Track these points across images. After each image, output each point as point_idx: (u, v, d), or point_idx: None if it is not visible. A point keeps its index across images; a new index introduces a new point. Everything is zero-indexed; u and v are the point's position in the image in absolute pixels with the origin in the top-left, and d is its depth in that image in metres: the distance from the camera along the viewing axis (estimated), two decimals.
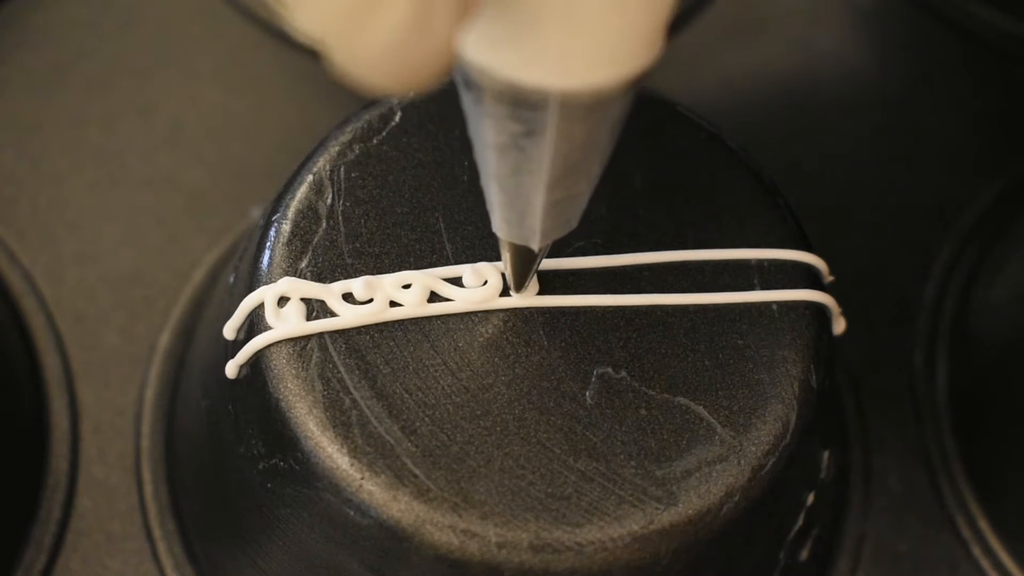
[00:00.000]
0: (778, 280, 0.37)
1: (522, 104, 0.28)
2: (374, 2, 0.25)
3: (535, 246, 0.33)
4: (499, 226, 0.33)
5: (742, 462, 0.34)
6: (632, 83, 0.28)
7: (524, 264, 0.34)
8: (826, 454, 0.40)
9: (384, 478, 0.33)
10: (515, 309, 0.36)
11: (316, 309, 0.35)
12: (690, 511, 0.34)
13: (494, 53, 0.27)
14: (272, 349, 0.35)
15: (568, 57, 0.27)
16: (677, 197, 0.38)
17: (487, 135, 0.30)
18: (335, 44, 0.25)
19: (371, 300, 0.35)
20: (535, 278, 0.35)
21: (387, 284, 0.35)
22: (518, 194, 0.31)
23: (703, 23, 0.54)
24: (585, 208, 0.33)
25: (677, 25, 0.54)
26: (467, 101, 0.29)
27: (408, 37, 0.25)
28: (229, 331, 0.36)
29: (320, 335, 0.35)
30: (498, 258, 0.36)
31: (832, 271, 0.38)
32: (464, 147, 0.38)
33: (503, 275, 0.36)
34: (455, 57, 0.26)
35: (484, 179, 0.32)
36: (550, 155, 0.29)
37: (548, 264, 0.36)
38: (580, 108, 0.28)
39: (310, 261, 0.36)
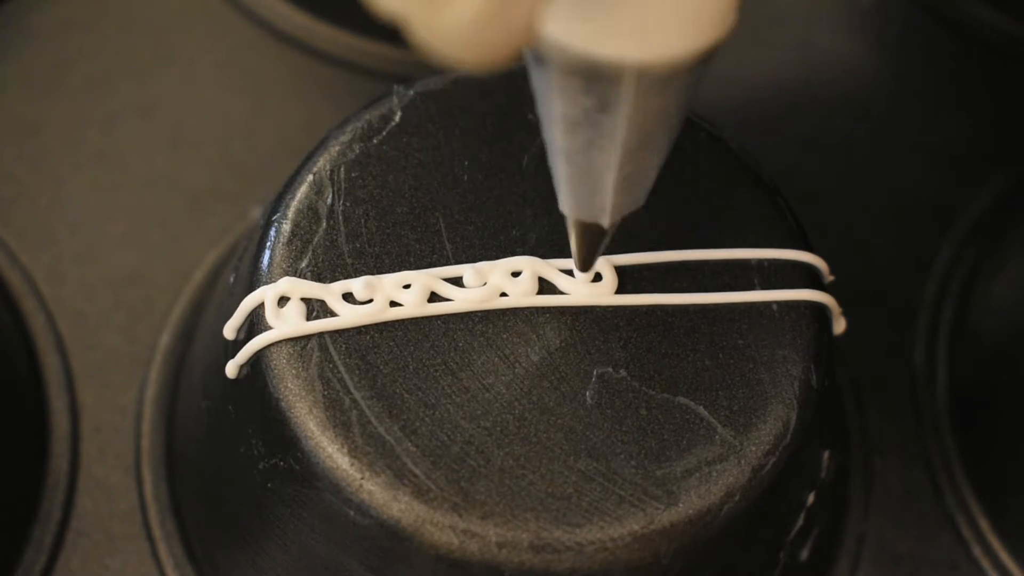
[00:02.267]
0: (778, 280, 0.37)
1: (597, 78, 0.28)
2: None
3: (605, 223, 0.33)
4: (567, 204, 0.33)
5: (742, 462, 0.34)
6: (707, 55, 0.28)
7: (592, 243, 0.34)
8: (826, 454, 0.40)
9: (384, 478, 0.33)
10: (515, 309, 0.36)
11: (316, 309, 0.35)
12: (690, 511, 0.34)
13: (569, 27, 0.27)
14: (272, 349, 0.35)
15: (645, 30, 0.27)
16: (677, 197, 0.38)
17: (558, 110, 0.30)
18: (418, 21, 0.25)
19: (371, 300, 0.35)
20: (597, 260, 0.35)
21: (387, 284, 0.35)
22: (589, 170, 0.31)
23: None
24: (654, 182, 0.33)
25: None
26: (537, 77, 0.29)
27: (491, 12, 0.25)
28: (229, 331, 0.36)
29: (320, 335, 0.35)
30: (498, 257, 0.36)
31: (832, 271, 0.38)
32: (464, 147, 0.38)
33: (571, 264, 0.35)
34: (535, 32, 0.26)
35: (552, 156, 0.32)
36: (623, 129, 0.29)
37: (548, 264, 0.36)
38: (656, 80, 0.28)
39: (310, 261, 0.36)
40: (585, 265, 0.35)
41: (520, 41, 0.26)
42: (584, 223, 0.33)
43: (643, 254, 0.36)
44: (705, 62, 0.28)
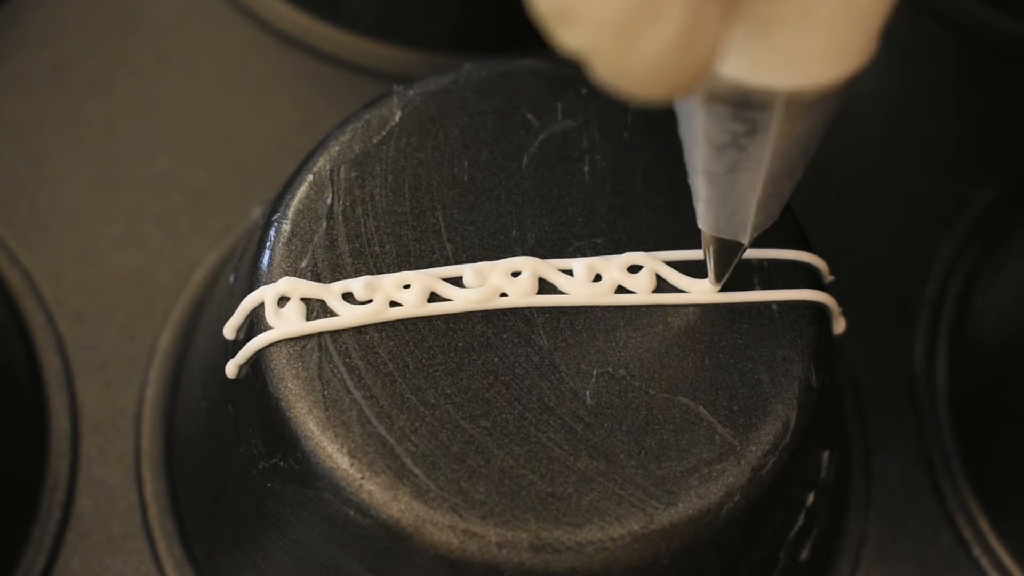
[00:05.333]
0: (778, 280, 0.37)
1: (747, 105, 0.29)
2: (647, 18, 0.25)
3: (745, 240, 0.34)
4: (707, 222, 0.34)
5: (742, 462, 0.34)
6: (851, 81, 0.29)
7: (728, 257, 0.35)
8: (826, 454, 0.40)
9: (384, 478, 0.33)
10: (515, 309, 0.36)
11: (316, 309, 0.35)
12: (690, 511, 0.34)
13: (725, 58, 0.28)
14: (272, 349, 0.35)
15: (798, 58, 0.28)
16: (677, 197, 0.38)
17: (705, 135, 0.31)
18: (605, 58, 0.26)
19: (371, 300, 0.35)
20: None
21: (387, 284, 0.35)
22: (732, 191, 0.32)
23: None
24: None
25: None
26: (683, 102, 0.30)
27: (678, 49, 0.26)
28: (229, 331, 0.36)
29: (320, 335, 0.35)
30: (498, 257, 0.36)
31: (832, 271, 0.38)
32: (464, 147, 0.38)
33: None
34: (716, 65, 0.27)
35: (694, 175, 0.33)
36: (769, 153, 0.30)
37: (548, 264, 0.36)
38: (803, 107, 0.29)
39: (310, 261, 0.36)
40: (720, 277, 0.36)
41: (702, 75, 0.26)
42: (723, 240, 0.35)
43: (643, 254, 0.36)
44: (848, 88, 0.30)
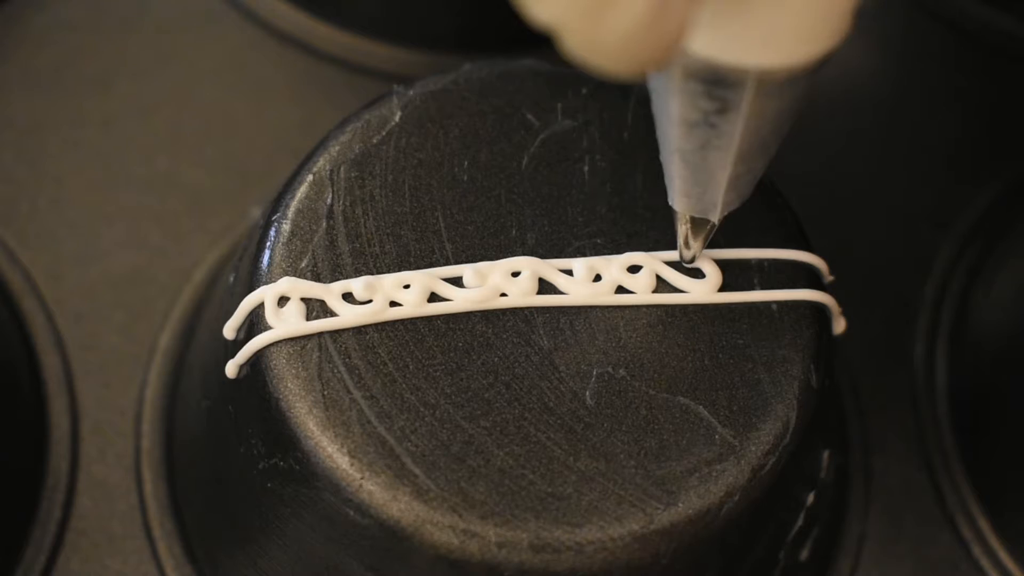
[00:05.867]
0: (778, 280, 0.37)
1: (719, 83, 0.29)
2: None
3: (715, 218, 0.35)
4: (678, 200, 0.35)
5: (742, 462, 0.34)
6: (823, 60, 0.29)
7: (701, 235, 0.35)
8: (826, 454, 0.40)
9: (384, 478, 0.33)
10: (515, 309, 0.36)
11: (316, 309, 0.35)
12: (690, 511, 0.34)
13: (697, 35, 0.28)
14: (272, 349, 0.35)
15: (770, 36, 0.29)
16: None
17: (677, 112, 0.31)
18: (574, 31, 0.26)
19: (371, 300, 0.35)
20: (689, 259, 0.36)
21: (387, 284, 0.35)
22: (703, 168, 0.33)
23: None
24: (723, 195, 0.34)
25: None
26: (657, 79, 0.31)
27: (646, 24, 0.26)
28: (229, 331, 0.36)
29: (320, 335, 0.35)
30: (497, 257, 0.36)
31: (832, 271, 0.38)
32: (464, 147, 0.38)
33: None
34: (685, 41, 0.27)
35: (665, 154, 0.33)
36: (740, 131, 0.31)
37: (548, 264, 0.36)
38: (775, 85, 0.30)
39: (310, 261, 0.36)
40: (690, 258, 0.36)
41: (671, 50, 0.27)
42: (693, 219, 0.35)
43: (643, 254, 0.36)
44: (819, 68, 0.30)
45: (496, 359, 0.35)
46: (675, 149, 0.32)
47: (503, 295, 0.36)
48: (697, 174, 0.33)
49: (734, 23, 0.28)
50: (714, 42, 0.29)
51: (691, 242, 0.36)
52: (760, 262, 0.37)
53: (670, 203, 0.35)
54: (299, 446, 0.34)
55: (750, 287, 0.36)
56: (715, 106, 0.30)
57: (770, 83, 0.29)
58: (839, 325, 0.38)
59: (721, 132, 0.31)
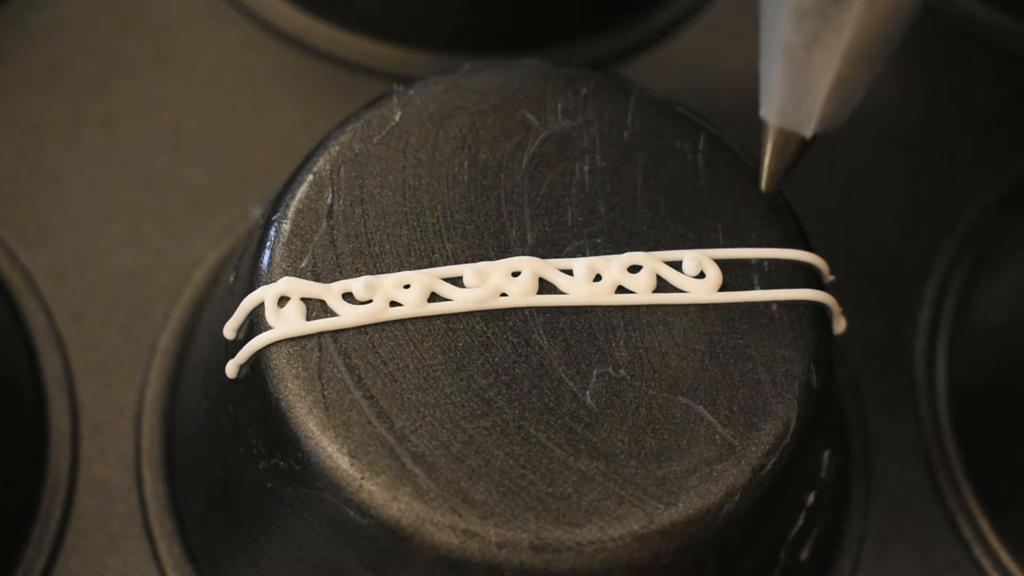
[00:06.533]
0: (778, 280, 0.37)
1: None
2: None
3: (808, 133, 0.33)
4: (772, 110, 0.33)
5: (742, 462, 0.34)
6: None
7: (783, 158, 0.34)
8: (826, 454, 0.40)
9: (384, 478, 0.33)
10: (515, 309, 0.36)
11: (316, 309, 0.35)
12: (690, 511, 0.34)
13: None
14: (272, 349, 0.35)
15: None
16: (677, 197, 0.38)
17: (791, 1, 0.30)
18: None
19: (371, 300, 0.35)
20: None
21: (387, 284, 0.35)
22: (806, 69, 0.32)
23: (703, 23, 0.54)
24: (858, 104, 0.33)
25: (677, 25, 0.54)
26: None
27: None
28: (229, 331, 0.36)
29: (320, 335, 0.35)
30: (498, 257, 0.36)
31: (832, 271, 0.38)
32: (464, 147, 0.38)
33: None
34: None
35: (767, 54, 0.32)
36: (852, 25, 0.30)
37: (548, 264, 0.36)
38: None
39: (310, 261, 0.36)
40: (770, 182, 0.35)
41: None
42: (785, 132, 0.34)
43: (643, 254, 0.36)
44: None
45: (496, 359, 0.35)
46: (781, 45, 0.31)
47: (503, 295, 0.36)
48: (799, 75, 0.32)
49: None
50: None
51: (773, 166, 0.34)
52: (760, 262, 0.37)
53: (761, 115, 0.34)
54: (299, 446, 0.34)
55: (750, 287, 0.36)
56: None
57: None
58: (839, 325, 0.38)
59: (832, 24, 0.30)
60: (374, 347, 0.35)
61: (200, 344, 0.43)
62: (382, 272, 0.36)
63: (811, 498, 0.39)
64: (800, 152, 0.34)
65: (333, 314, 0.35)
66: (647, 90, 0.39)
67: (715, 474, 0.34)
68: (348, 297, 0.35)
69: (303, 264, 0.36)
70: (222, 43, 0.52)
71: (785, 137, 0.34)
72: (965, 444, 0.47)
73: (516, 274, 0.36)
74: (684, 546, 0.34)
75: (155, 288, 0.47)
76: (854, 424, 0.47)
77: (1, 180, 0.49)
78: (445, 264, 0.36)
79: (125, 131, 0.50)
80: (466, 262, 0.36)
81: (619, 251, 0.36)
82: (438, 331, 0.35)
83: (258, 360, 0.35)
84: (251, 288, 0.36)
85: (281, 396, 0.34)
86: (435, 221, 0.37)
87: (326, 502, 0.34)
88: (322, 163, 0.37)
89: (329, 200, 0.37)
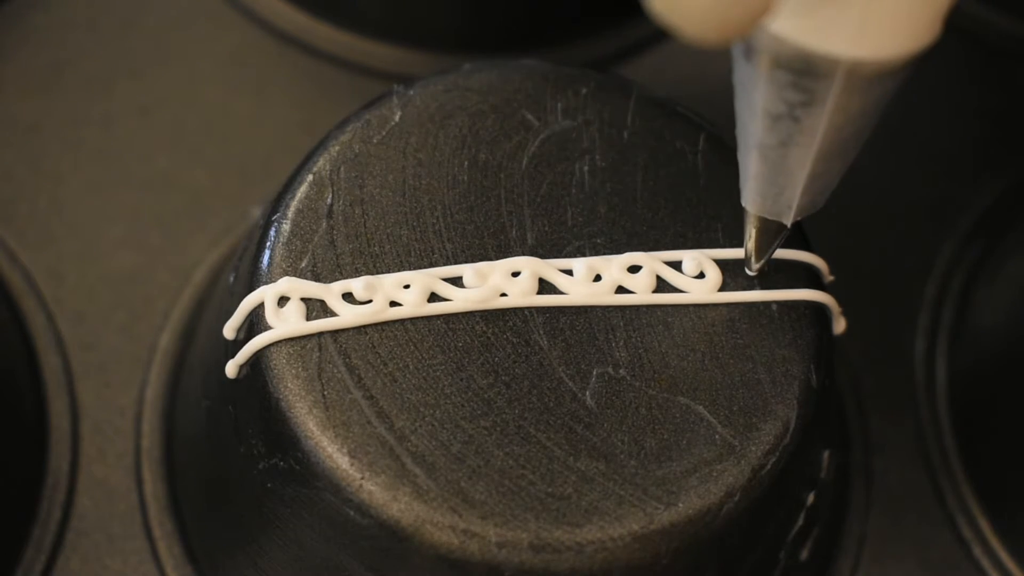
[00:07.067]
0: (778, 280, 0.37)
1: (808, 73, 0.29)
2: None
3: (788, 221, 0.34)
4: (752, 200, 0.34)
5: (742, 462, 0.34)
6: (914, 59, 0.29)
7: (769, 240, 0.35)
8: (826, 454, 0.40)
9: (384, 478, 0.33)
10: (515, 309, 0.36)
11: (316, 309, 0.35)
12: (690, 511, 0.34)
13: (787, 21, 0.28)
14: (272, 349, 0.35)
15: (861, 30, 0.28)
16: (677, 197, 0.38)
17: (762, 104, 0.31)
18: None
19: (371, 300, 0.35)
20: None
21: (387, 284, 0.35)
22: (782, 166, 0.32)
23: None
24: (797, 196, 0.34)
25: None
26: (743, 69, 0.30)
27: None
28: (229, 331, 0.36)
29: (320, 335, 0.35)
30: (498, 257, 0.36)
31: (832, 271, 0.38)
32: (464, 147, 0.38)
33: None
34: (771, 9, 0.27)
35: (744, 150, 0.33)
36: (824, 127, 0.30)
37: (548, 264, 0.36)
38: (863, 80, 0.29)
39: (310, 261, 0.36)
40: (758, 261, 0.36)
41: (756, 20, 0.27)
42: (765, 220, 0.35)
43: (643, 254, 0.36)
44: (911, 66, 0.30)
45: (496, 359, 0.35)
46: (756, 144, 0.32)
47: (503, 295, 0.36)
48: (776, 172, 0.33)
49: (827, 10, 0.28)
50: (806, 29, 0.28)
51: (758, 249, 0.35)
52: None
53: (743, 203, 0.35)
54: (299, 446, 0.34)
55: (750, 287, 0.36)
56: (801, 98, 0.30)
57: (859, 77, 0.29)
58: (839, 325, 0.38)
59: (804, 127, 0.31)
60: (374, 347, 0.35)
61: (200, 344, 0.43)
62: (382, 272, 0.36)
63: (811, 498, 0.39)
64: (783, 235, 0.35)
65: (333, 314, 0.35)
66: (647, 90, 0.39)
67: (715, 474, 0.34)
68: (348, 297, 0.35)
69: (303, 264, 0.36)
70: (222, 43, 0.52)
71: (767, 223, 0.35)
72: (965, 444, 0.47)
73: (516, 274, 0.36)
74: (684, 546, 0.34)
75: (155, 288, 0.47)
76: (854, 424, 0.47)
77: (1, 180, 0.49)
78: (445, 264, 0.36)
79: (125, 131, 0.50)
80: (466, 262, 0.36)
81: (619, 251, 0.36)
82: (438, 331, 0.35)
83: (258, 360, 0.35)
84: (251, 288, 0.36)
85: (281, 396, 0.34)
86: (435, 221, 0.37)
87: (326, 502, 0.34)
88: (322, 163, 0.37)
89: (329, 200, 0.37)
